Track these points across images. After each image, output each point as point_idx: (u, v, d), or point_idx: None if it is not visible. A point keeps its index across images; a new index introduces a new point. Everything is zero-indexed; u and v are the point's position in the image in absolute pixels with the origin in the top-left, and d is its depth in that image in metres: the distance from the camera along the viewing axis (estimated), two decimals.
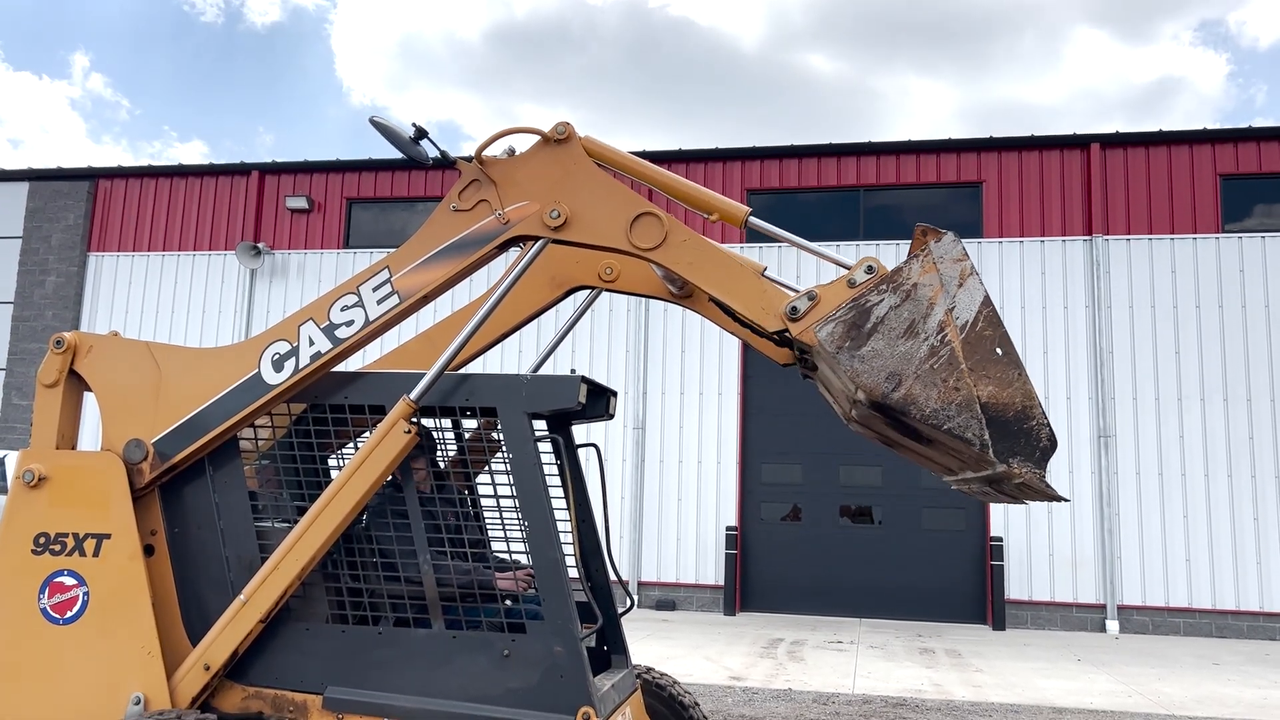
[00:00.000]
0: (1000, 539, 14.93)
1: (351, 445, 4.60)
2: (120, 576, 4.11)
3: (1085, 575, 14.87)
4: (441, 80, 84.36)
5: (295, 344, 4.19)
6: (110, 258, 18.78)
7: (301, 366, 4.17)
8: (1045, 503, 15.30)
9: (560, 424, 4.84)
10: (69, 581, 4.13)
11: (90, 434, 13.19)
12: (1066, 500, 3.55)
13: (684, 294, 4.84)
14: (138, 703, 3.99)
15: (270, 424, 4.42)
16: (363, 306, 4.15)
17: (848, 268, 3.62)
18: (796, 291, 3.78)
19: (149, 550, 4.24)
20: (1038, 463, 3.20)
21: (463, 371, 4.18)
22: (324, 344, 4.16)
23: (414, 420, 4.06)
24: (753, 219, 4.02)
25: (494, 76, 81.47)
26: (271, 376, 4.18)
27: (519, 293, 4.88)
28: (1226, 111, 69.96)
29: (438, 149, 4.12)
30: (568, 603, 3.94)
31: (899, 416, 3.33)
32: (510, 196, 4.09)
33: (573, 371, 4.27)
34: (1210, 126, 15.60)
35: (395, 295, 4.13)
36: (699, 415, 16.24)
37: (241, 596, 4.04)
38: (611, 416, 4.86)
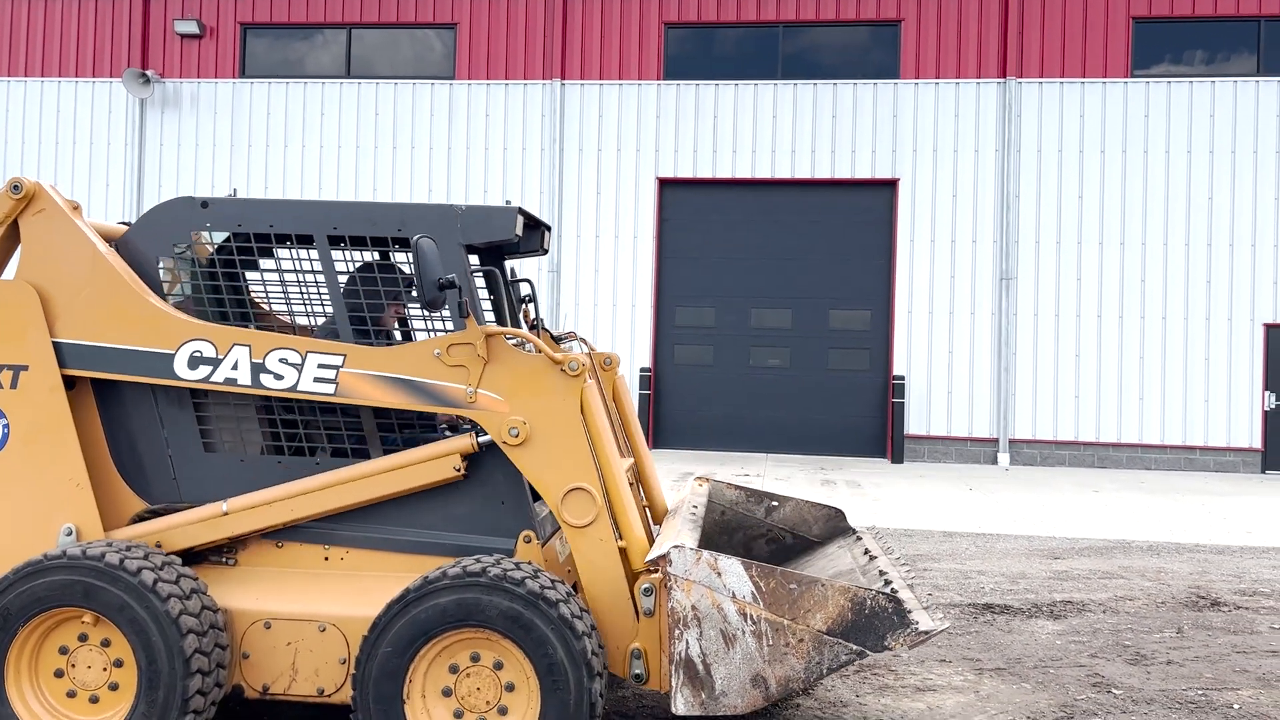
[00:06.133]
0: (902, 378, 15.47)
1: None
2: (41, 409, 4.01)
3: (980, 411, 15.57)
4: None
5: (220, 356, 3.98)
6: None
7: (212, 380, 3.99)
8: (948, 354, 16.00)
9: (494, 257, 4.75)
10: None
11: None
12: (940, 629, 3.53)
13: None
14: (69, 533, 3.97)
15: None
16: (299, 371, 3.95)
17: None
18: None
19: (70, 383, 4.11)
20: (905, 622, 3.32)
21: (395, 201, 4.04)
22: (245, 378, 3.97)
23: (466, 459, 3.97)
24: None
25: None
26: (181, 368, 4.00)
27: None
28: None
29: (460, 301, 3.86)
30: None
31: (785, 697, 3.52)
32: (489, 381, 3.90)
33: (508, 203, 4.17)
34: None
35: (333, 385, 3.93)
36: (614, 258, 16.20)
37: (223, 507, 3.98)
38: (546, 251, 4.78)
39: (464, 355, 3.91)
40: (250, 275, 4.38)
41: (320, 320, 4.36)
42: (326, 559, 4.03)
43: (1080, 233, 15.51)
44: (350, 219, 4.03)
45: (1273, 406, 15.15)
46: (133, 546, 3.79)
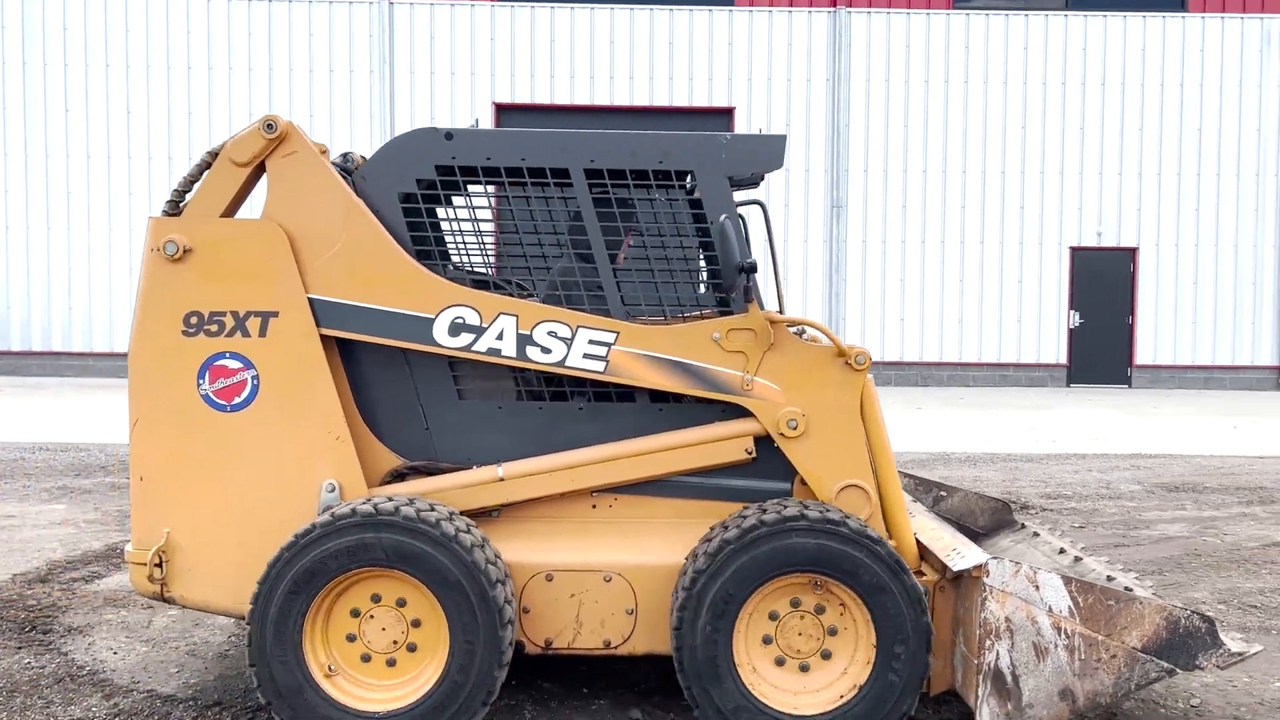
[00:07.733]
0: None
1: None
2: (295, 357, 3.70)
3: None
4: None
5: (484, 325, 3.73)
6: None
7: (474, 349, 3.74)
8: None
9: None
10: (233, 365, 3.69)
11: None
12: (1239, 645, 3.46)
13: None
14: (332, 490, 3.69)
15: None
16: (568, 346, 3.73)
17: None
18: None
19: None
20: (1217, 643, 3.31)
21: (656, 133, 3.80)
22: (509, 349, 3.74)
23: (756, 441, 3.77)
24: None
25: None
26: (441, 335, 3.73)
27: None
28: None
29: (750, 283, 3.62)
30: None
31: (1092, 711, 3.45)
32: (767, 369, 3.73)
33: (759, 131, 3.97)
34: None
35: (603, 363, 3.73)
36: None
37: (499, 472, 3.74)
38: (758, 183, 4.59)
39: (744, 341, 3.75)
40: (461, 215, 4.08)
41: (555, 264, 4.09)
42: (594, 506, 3.86)
43: (905, 161, 16.10)
44: (610, 150, 3.78)
45: (1076, 324, 16.29)
46: (416, 500, 3.55)
